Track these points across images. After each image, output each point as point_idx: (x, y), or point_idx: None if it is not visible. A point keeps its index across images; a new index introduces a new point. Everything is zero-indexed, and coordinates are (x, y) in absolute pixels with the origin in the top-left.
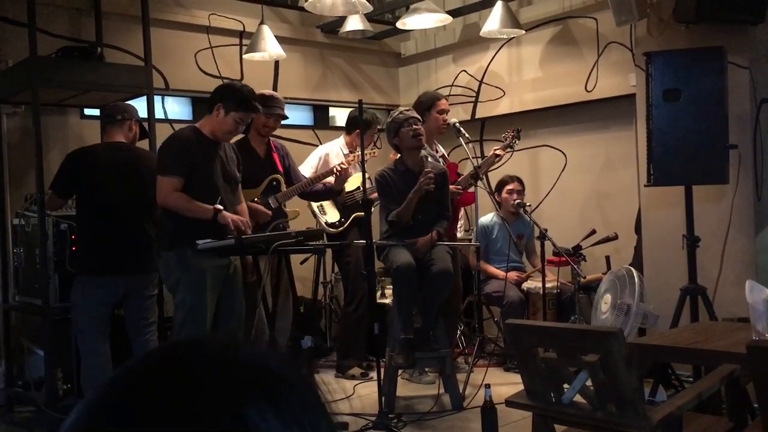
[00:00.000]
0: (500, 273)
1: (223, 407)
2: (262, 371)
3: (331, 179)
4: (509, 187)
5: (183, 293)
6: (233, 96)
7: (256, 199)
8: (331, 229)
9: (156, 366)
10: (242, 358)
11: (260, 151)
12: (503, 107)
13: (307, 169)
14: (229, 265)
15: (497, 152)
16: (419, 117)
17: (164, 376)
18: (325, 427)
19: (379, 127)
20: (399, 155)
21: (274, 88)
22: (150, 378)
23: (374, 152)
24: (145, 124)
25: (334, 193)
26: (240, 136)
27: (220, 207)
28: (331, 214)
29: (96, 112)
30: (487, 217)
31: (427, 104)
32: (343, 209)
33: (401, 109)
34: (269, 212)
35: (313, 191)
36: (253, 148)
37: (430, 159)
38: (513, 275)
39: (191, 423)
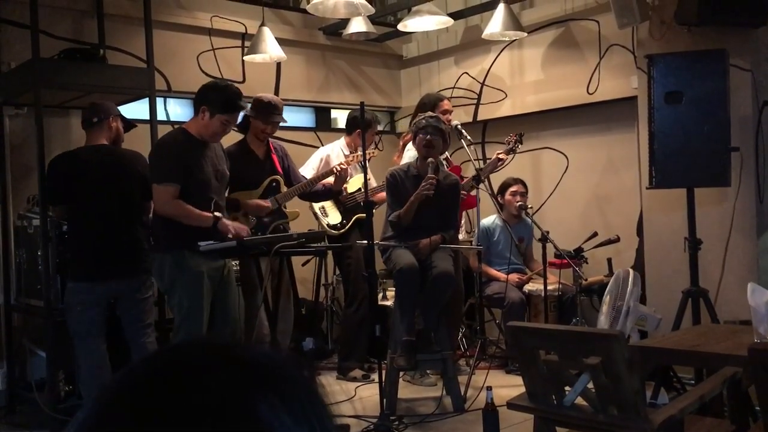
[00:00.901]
0: (501, 275)
1: (234, 403)
2: (269, 368)
3: (331, 179)
4: (513, 189)
5: (179, 295)
6: (218, 98)
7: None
8: (333, 231)
9: (163, 365)
10: (248, 356)
11: (259, 152)
12: (505, 109)
13: (308, 170)
14: (223, 267)
15: (500, 156)
16: (439, 127)
17: (172, 375)
18: (331, 425)
19: (379, 127)
20: (401, 157)
21: (276, 90)
22: (158, 377)
23: (374, 153)
24: (147, 126)
25: (334, 194)
26: (239, 137)
27: (219, 214)
28: (332, 215)
29: None
30: (489, 219)
31: (429, 105)
32: (345, 211)
33: (428, 114)
34: (267, 204)
35: (313, 192)
36: (252, 149)
37: (441, 168)
38: (514, 277)
39: (203, 419)
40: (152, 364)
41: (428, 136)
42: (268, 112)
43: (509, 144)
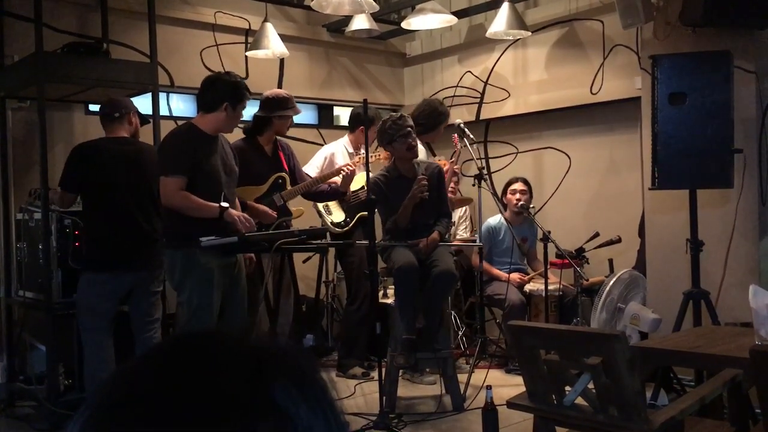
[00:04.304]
0: (502, 274)
1: (250, 388)
2: (283, 357)
3: (336, 179)
4: (513, 187)
5: (189, 292)
6: (236, 92)
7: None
8: (337, 229)
9: (177, 351)
10: (262, 345)
11: (267, 149)
12: (508, 109)
13: (312, 169)
14: (234, 264)
15: (456, 169)
16: (411, 125)
17: (188, 359)
18: (342, 418)
19: None
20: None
21: (279, 87)
22: (173, 362)
23: (379, 154)
24: (150, 121)
25: (339, 194)
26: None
27: (226, 205)
28: (336, 214)
29: None
30: (495, 219)
31: (441, 119)
32: (349, 209)
33: (393, 117)
34: (274, 214)
35: (319, 191)
36: (261, 145)
37: (422, 157)
38: (515, 277)
39: (220, 405)
40: (163, 354)
41: (408, 140)
42: (289, 105)
43: (456, 146)
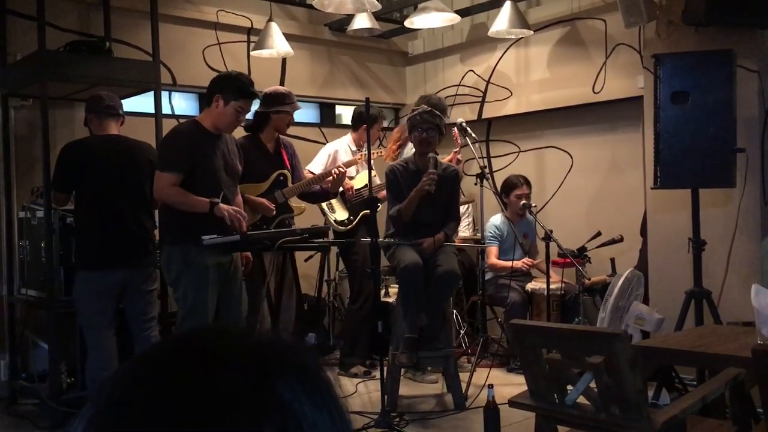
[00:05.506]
0: (508, 264)
1: (254, 385)
2: (287, 354)
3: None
4: (517, 192)
5: (184, 289)
6: (231, 85)
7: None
8: (341, 227)
9: (181, 348)
10: (265, 342)
11: (270, 146)
12: (510, 108)
13: (316, 167)
14: (230, 263)
15: (459, 158)
16: (434, 122)
17: (192, 357)
18: (347, 416)
19: (385, 124)
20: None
21: (281, 85)
22: (177, 359)
23: (381, 152)
24: (152, 119)
25: (330, 196)
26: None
27: (217, 200)
28: (340, 212)
29: None
30: (498, 218)
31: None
32: (352, 207)
33: (425, 109)
34: (273, 206)
35: (311, 192)
36: (263, 143)
37: (439, 161)
38: (525, 262)
39: (224, 401)
40: (167, 351)
41: (424, 134)
42: (287, 101)
43: (456, 140)
